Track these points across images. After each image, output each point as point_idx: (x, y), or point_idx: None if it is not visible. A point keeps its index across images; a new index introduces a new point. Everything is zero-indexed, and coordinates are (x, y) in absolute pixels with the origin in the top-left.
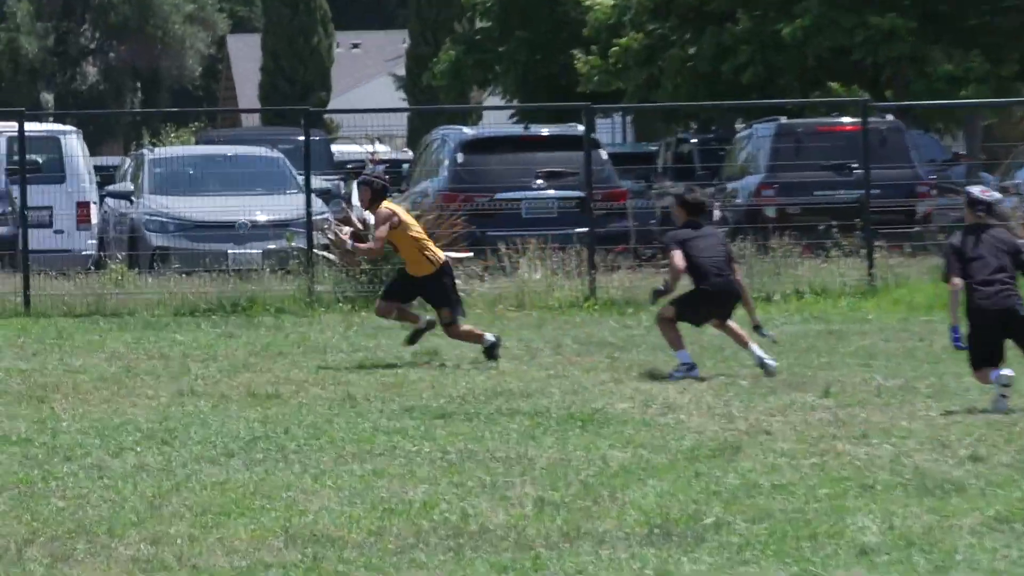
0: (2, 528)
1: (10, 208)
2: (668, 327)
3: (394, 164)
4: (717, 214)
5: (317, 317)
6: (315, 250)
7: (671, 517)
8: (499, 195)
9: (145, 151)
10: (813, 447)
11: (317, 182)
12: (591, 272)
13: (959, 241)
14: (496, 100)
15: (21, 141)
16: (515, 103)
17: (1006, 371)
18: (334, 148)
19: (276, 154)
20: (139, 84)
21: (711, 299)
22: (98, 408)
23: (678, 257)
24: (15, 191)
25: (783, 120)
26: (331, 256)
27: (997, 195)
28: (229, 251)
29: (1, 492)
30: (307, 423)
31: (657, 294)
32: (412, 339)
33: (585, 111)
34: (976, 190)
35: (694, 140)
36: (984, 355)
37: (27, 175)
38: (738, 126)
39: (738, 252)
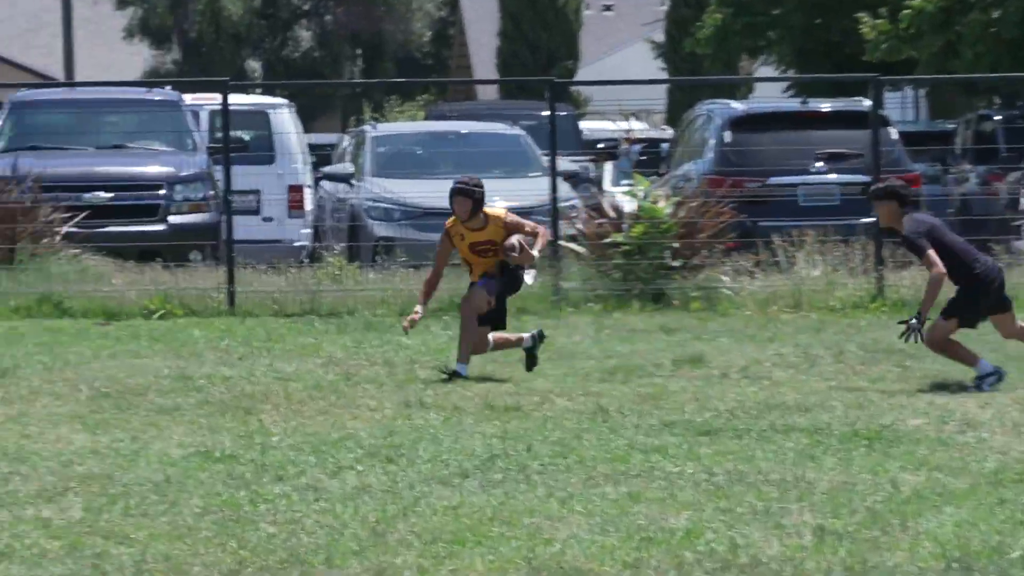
0: (206, 557)
1: (212, 192)
2: (952, 347)
3: (651, 144)
4: (1023, 202)
5: (564, 318)
6: (561, 241)
7: (971, 550)
8: (772, 180)
9: (367, 128)
10: None
11: (564, 163)
12: (878, 268)
13: None
14: (769, 70)
15: (225, 116)
16: (791, 74)
17: None
18: (583, 125)
19: (517, 131)
20: (359, 51)
21: (987, 290)
22: (313, 421)
23: (935, 257)
24: (218, 173)
25: None
26: (579, 248)
27: None
28: None
29: (204, 516)
30: (553, 439)
31: (912, 331)
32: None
33: (872, 83)
34: None
35: (998, 117)
36: None
37: (232, 154)
38: None
39: None
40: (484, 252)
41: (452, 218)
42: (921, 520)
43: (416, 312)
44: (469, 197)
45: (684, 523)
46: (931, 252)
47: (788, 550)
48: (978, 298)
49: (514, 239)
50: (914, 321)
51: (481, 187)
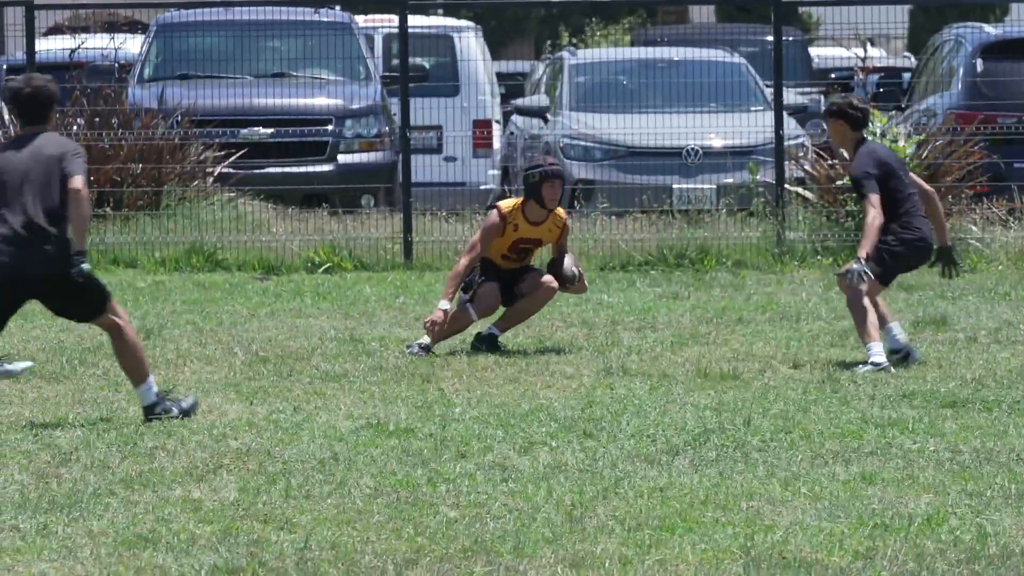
0: (378, 545)
1: (387, 128)
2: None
3: (891, 73)
4: None
5: (788, 273)
6: (787, 186)
7: None
8: None
9: (565, 54)
10: None
11: (791, 96)
12: None
13: None
14: None
15: (403, 40)
16: None
17: None
18: (812, 52)
19: (737, 59)
20: None
21: (907, 259)
22: (500, 390)
23: (875, 203)
24: (394, 105)
25: None
26: (808, 193)
27: None
28: (674, 186)
29: (376, 497)
30: (775, 412)
31: (854, 274)
32: None
33: None
34: None
35: None
36: None
37: (410, 84)
38: None
39: None
40: (523, 252)
41: (512, 202)
42: None
43: (440, 312)
44: (564, 183)
45: (924, 508)
46: (873, 197)
47: None
48: (896, 260)
49: (574, 266)
50: (856, 266)
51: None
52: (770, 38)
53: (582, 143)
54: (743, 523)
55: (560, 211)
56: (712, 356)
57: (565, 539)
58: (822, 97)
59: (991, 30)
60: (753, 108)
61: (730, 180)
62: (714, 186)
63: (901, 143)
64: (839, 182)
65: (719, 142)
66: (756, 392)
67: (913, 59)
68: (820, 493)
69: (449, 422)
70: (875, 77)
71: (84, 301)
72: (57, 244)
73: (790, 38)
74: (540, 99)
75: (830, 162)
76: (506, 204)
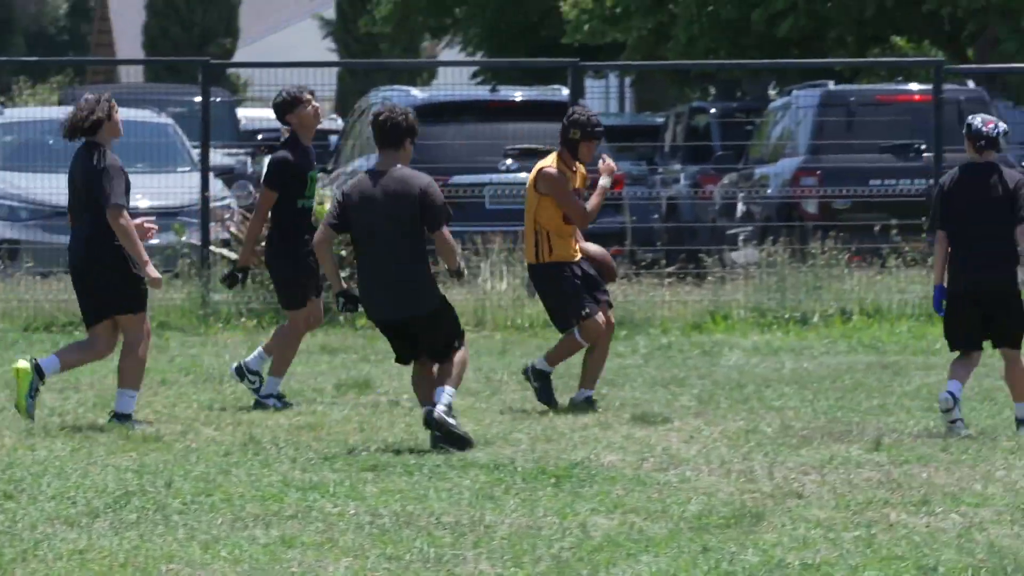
0: None
1: None
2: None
3: (318, 135)
4: (740, 208)
5: (213, 335)
6: (212, 247)
7: None
8: (455, 179)
9: None
10: (858, 516)
11: (217, 157)
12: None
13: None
14: (455, 54)
15: None
16: (480, 58)
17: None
18: (240, 113)
19: (164, 119)
20: None
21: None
22: None
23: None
24: None
25: (831, 86)
26: (233, 255)
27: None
28: None
29: None
30: (196, 474)
31: None
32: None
33: (571, 69)
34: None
35: (713, 110)
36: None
37: None
38: (771, 93)
39: (768, 258)
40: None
41: (550, 157)
42: (614, 570)
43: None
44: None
45: (343, 571)
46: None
47: None
48: None
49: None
50: None
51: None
52: (198, 98)
53: (7, 202)
54: None
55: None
56: (135, 417)
57: None
58: (249, 159)
59: (419, 94)
60: (180, 169)
61: (156, 241)
62: None
63: (327, 205)
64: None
65: (145, 203)
66: (178, 454)
67: (341, 121)
68: (240, 556)
69: None
70: None
71: None
72: None
73: (218, 99)
74: None
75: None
76: (547, 161)
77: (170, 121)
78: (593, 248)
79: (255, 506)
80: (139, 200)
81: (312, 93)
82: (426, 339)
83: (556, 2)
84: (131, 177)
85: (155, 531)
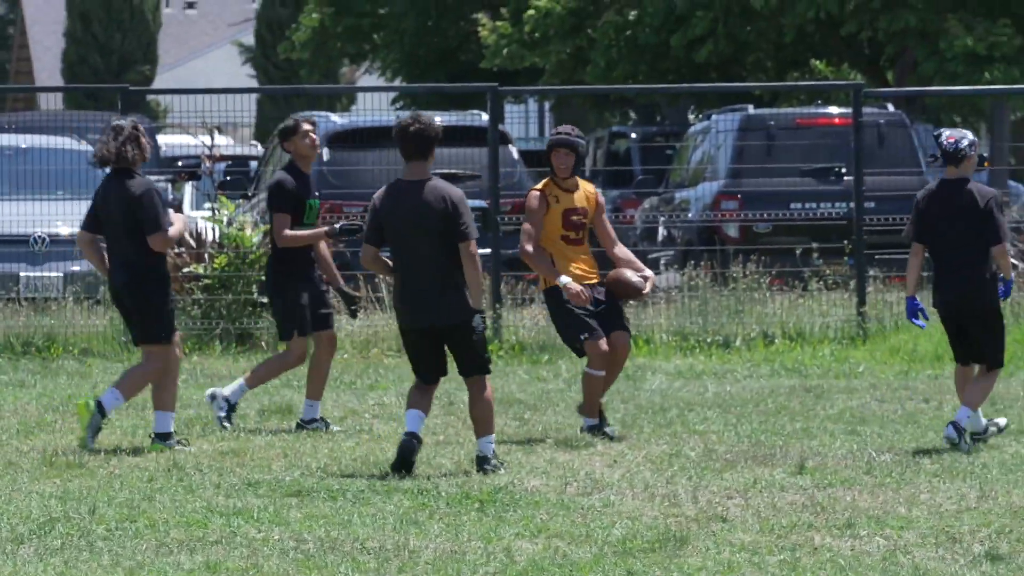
0: None
1: None
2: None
3: (239, 161)
4: (662, 232)
5: (131, 360)
6: None
7: None
8: None
9: None
10: (782, 539)
11: None
12: (495, 307)
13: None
14: (374, 79)
15: None
16: (399, 83)
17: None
18: (160, 139)
19: (84, 147)
20: None
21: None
22: None
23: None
24: None
25: (751, 110)
26: None
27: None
28: (21, 274)
29: None
30: (120, 500)
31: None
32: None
33: (491, 94)
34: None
35: (633, 135)
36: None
37: None
38: (691, 117)
39: (689, 282)
40: (578, 227)
41: (543, 181)
42: None
43: (571, 285)
44: (574, 150)
45: None
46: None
47: None
48: None
49: (633, 274)
50: None
51: (584, 140)
52: None
53: None
54: None
55: (587, 184)
56: (58, 444)
57: None
58: (169, 186)
59: (337, 119)
60: None
61: (78, 268)
62: (61, 274)
63: (248, 231)
64: (184, 270)
65: (67, 230)
66: (102, 480)
67: (261, 147)
68: None
69: None
70: (222, 165)
71: None
72: None
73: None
74: None
75: (176, 250)
76: (540, 184)
77: (90, 148)
78: (622, 259)
79: (179, 532)
80: (60, 227)
81: (313, 123)
82: (453, 351)
83: (474, 27)
84: (51, 204)
85: (80, 557)
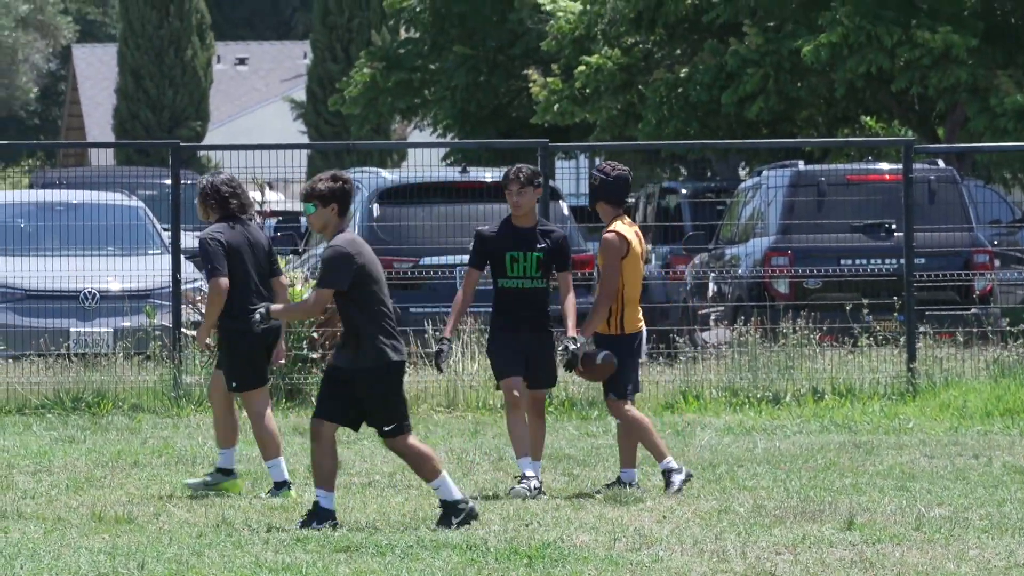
0: None
1: None
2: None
3: (289, 217)
4: (712, 288)
5: (185, 417)
6: (184, 329)
7: None
8: (425, 260)
9: None
10: None
11: (188, 240)
12: None
13: None
14: (424, 135)
15: None
16: (450, 139)
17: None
18: None
19: (135, 202)
20: None
21: None
22: None
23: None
24: None
25: (801, 166)
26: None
27: None
28: (71, 329)
29: None
30: (169, 556)
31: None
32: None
33: (541, 150)
34: None
35: (684, 190)
36: None
37: None
38: (742, 173)
39: (739, 338)
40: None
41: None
42: None
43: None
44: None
45: None
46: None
47: None
48: None
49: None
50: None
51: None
52: (169, 181)
53: None
54: None
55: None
56: (107, 500)
57: None
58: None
59: (388, 175)
60: (151, 251)
61: (127, 323)
62: (111, 329)
63: (299, 287)
64: None
65: (116, 285)
66: (151, 536)
67: None
68: None
69: None
70: (273, 221)
71: None
72: None
73: (189, 181)
74: None
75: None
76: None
77: (141, 204)
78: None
79: None
80: (110, 283)
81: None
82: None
83: (525, 83)
84: (102, 261)
85: None
